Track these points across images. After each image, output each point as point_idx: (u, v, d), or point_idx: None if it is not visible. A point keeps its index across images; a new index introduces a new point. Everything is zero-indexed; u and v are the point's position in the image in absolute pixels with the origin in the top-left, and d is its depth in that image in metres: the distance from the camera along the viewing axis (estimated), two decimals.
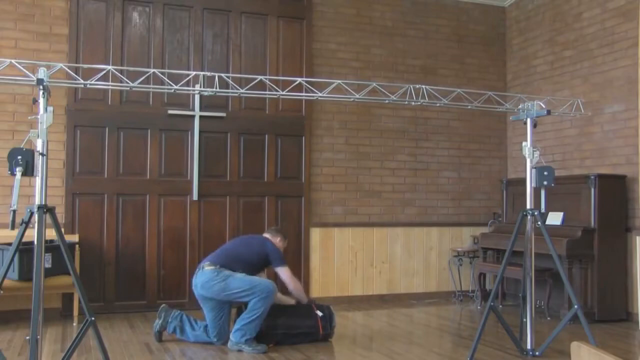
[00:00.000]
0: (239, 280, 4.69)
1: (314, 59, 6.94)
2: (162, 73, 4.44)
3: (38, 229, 3.44)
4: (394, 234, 7.16)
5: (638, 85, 5.71)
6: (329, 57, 7.03)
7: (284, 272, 4.96)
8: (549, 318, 5.98)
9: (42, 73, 3.54)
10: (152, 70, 4.31)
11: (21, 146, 3.41)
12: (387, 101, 4.87)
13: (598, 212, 5.91)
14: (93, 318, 3.50)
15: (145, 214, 6.29)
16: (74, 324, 5.55)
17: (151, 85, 4.78)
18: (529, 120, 4.66)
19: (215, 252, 5.05)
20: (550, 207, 5.77)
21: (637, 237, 5.74)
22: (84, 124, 6.13)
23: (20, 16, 5.99)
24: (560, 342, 4.84)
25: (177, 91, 4.41)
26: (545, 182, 4.49)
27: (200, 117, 6.42)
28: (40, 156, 3.45)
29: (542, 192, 4.51)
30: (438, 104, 5.04)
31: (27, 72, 3.78)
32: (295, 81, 4.67)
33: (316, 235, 6.84)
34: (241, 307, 4.81)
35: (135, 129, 6.28)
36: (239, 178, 6.60)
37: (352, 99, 4.65)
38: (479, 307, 6.75)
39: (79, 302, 5.39)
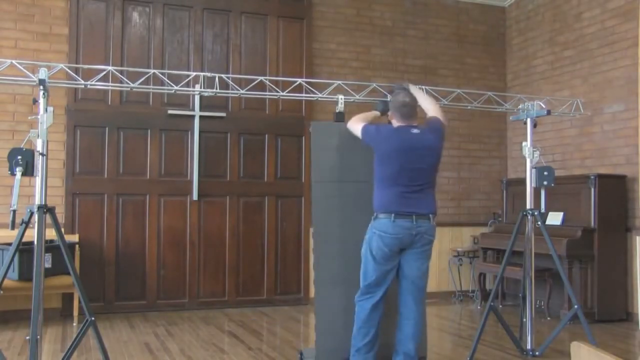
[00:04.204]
0: None
1: (314, 59, 6.94)
2: (162, 73, 4.44)
3: (38, 229, 3.44)
4: None
5: (638, 85, 5.71)
6: (329, 57, 7.03)
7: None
8: (549, 318, 5.98)
9: (43, 73, 3.54)
10: (152, 71, 4.32)
11: (21, 146, 3.42)
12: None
13: (598, 212, 5.91)
14: (93, 318, 3.50)
15: (145, 214, 6.29)
16: (74, 324, 5.55)
17: (151, 86, 4.78)
18: (529, 120, 4.66)
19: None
20: (550, 207, 5.76)
21: (637, 237, 5.74)
22: (84, 124, 6.13)
23: (20, 16, 5.99)
24: (560, 342, 4.84)
25: (178, 92, 4.41)
26: (545, 182, 4.49)
27: (200, 117, 6.42)
28: (40, 156, 3.45)
29: (542, 192, 4.52)
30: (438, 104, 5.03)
31: (27, 72, 3.79)
32: (295, 82, 4.67)
33: None
34: None
35: (135, 129, 6.28)
36: (239, 178, 6.60)
37: (352, 100, 4.65)
38: (479, 307, 6.75)
39: (79, 302, 5.39)
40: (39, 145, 3.47)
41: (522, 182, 4.95)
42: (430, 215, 3.69)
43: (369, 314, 3.67)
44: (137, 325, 5.59)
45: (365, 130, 3.78)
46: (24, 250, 4.99)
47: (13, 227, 3.34)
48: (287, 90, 4.70)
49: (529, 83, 7.37)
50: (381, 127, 3.85)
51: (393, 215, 3.60)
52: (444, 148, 3.88)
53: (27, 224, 3.44)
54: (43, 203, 3.48)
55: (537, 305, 5.99)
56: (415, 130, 3.70)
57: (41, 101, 3.50)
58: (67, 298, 5.87)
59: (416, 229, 3.63)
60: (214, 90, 4.34)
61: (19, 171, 3.35)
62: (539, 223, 4.43)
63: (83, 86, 4.23)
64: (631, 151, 5.95)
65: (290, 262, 6.74)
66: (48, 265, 5.25)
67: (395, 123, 3.79)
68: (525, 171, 4.64)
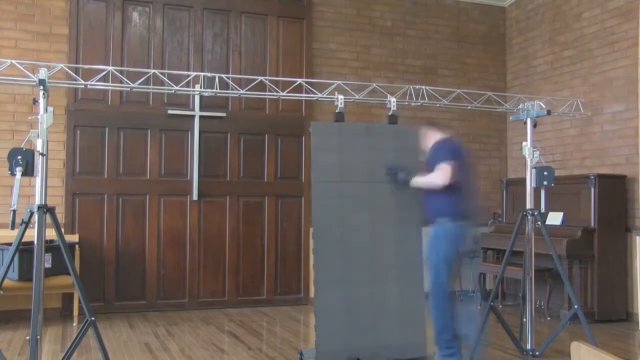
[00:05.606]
0: None
1: (314, 59, 6.94)
2: (162, 73, 4.44)
3: (38, 229, 3.44)
4: None
5: (638, 85, 5.71)
6: (329, 57, 7.03)
7: None
8: (549, 318, 5.98)
9: (43, 74, 3.54)
10: (152, 71, 4.32)
11: (21, 146, 3.42)
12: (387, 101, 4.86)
13: (598, 212, 5.91)
14: (93, 318, 3.51)
15: (145, 214, 6.29)
16: (74, 324, 5.55)
17: (151, 86, 4.78)
18: (529, 120, 4.66)
19: None
20: (550, 207, 5.76)
21: (637, 237, 5.74)
22: (84, 124, 6.13)
23: (20, 16, 5.99)
24: (560, 342, 4.84)
25: (178, 92, 4.41)
26: (545, 182, 4.49)
27: (200, 117, 6.42)
28: (40, 156, 3.45)
29: (542, 192, 4.52)
30: (438, 105, 5.04)
31: (27, 72, 3.79)
32: (295, 82, 4.67)
33: None
34: None
35: (135, 129, 6.28)
36: (239, 178, 6.60)
37: (352, 100, 4.64)
38: (479, 307, 6.75)
39: (79, 302, 5.39)
40: (39, 145, 3.47)
41: (522, 182, 4.96)
42: None
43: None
44: (137, 325, 5.59)
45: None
46: (24, 250, 4.99)
47: (13, 227, 3.34)
48: (287, 90, 4.70)
49: (529, 83, 7.37)
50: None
51: None
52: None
53: (27, 224, 3.44)
54: (43, 203, 3.48)
55: (537, 305, 5.99)
56: None
57: (41, 101, 3.50)
58: (67, 298, 5.87)
59: None
60: (214, 90, 4.34)
61: (19, 171, 3.36)
62: (539, 223, 4.43)
63: (83, 86, 4.23)
64: (631, 151, 5.95)
65: (290, 262, 6.74)
66: (48, 265, 5.25)
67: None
68: (525, 171, 4.65)
